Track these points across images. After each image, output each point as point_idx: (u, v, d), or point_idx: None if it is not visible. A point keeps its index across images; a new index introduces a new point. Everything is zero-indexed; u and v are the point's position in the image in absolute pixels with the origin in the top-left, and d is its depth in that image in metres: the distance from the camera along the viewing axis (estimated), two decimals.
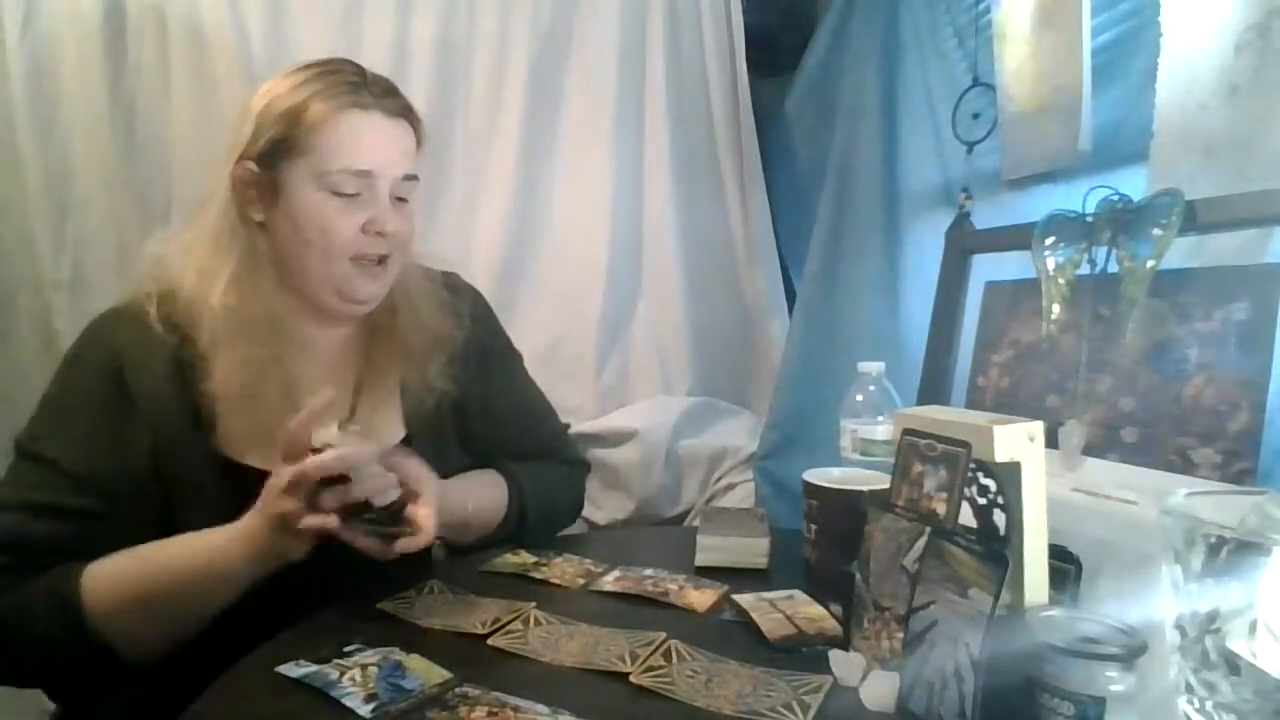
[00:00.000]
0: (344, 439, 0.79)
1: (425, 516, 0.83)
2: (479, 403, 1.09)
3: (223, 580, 0.80)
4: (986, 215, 1.27)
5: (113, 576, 0.80)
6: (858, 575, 0.75)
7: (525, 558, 1.01)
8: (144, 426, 0.86)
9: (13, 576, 0.80)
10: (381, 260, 0.93)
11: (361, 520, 0.81)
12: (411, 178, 0.94)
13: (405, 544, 0.83)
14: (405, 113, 0.94)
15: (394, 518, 0.83)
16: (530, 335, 1.35)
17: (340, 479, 0.78)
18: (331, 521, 0.78)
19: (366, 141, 0.89)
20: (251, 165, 0.88)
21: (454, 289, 1.09)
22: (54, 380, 0.89)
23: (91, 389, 0.87)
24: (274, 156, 0.88)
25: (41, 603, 0.79)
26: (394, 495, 0.83)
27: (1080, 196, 0.93)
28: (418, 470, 0.87)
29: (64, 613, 0.78)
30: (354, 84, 0.90)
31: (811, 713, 0.65)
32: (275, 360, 0.89)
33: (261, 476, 0.81)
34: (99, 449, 0.84)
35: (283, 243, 0.91)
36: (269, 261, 0.91)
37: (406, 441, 0.99)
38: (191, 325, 0.87)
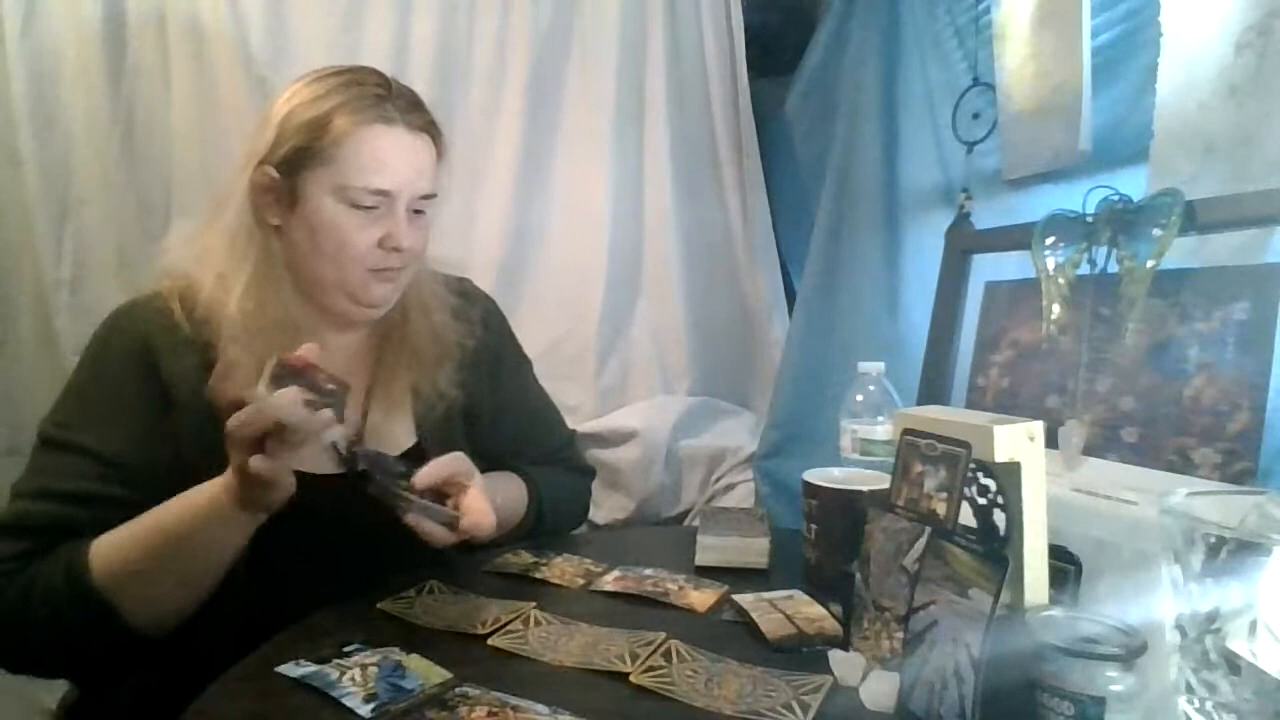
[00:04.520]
0: (269, 393, 0.76)
1: (479, 503, 0.85)
2: (489, 410, 1.09)
3: (219, 526, 0.80)
4: (986, 215, 1.27)
5: (118, 540, 0.80)
6: (858, 575, 0.75)
7: (525, 558, 1.01)
8: (174, 418, 0.86)
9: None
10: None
11: (423, 509, 0.83)
12: (430, 196, 0.94)
13: (468, 525, 0.84)
14: (428, 127, 0.94)
15: (448, 504, 0.85)
16: (530, 335, 1.36)
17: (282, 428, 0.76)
18: (266, 465, 0.74)
19: (388, 160, 0.89)
20: (271, 171, 0.89)
21: (467, 295, 1.09)
22: (80, 370, 0.89)
23: (123, 377, 0.87)
24: (295, 164, 0.88)
25: (53, 577, 0.79)
26: (339, 433, 0.82)
27: (1080, 196, 0.93)
28: (459, 464, 0.87)
29: (74, 582, 0.78)
30: (379, 96, 0.90)
31: (811, 713, 0.65)
32: None
33: None
34: (131, 436, 0.85)
35: (298, 249, 0.91)
36: (284, 266, 0.91)
37: (417, 447, 1.00)
38: (213, 328, 0.87)
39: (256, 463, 0.74)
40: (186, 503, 0.81)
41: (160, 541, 0.80)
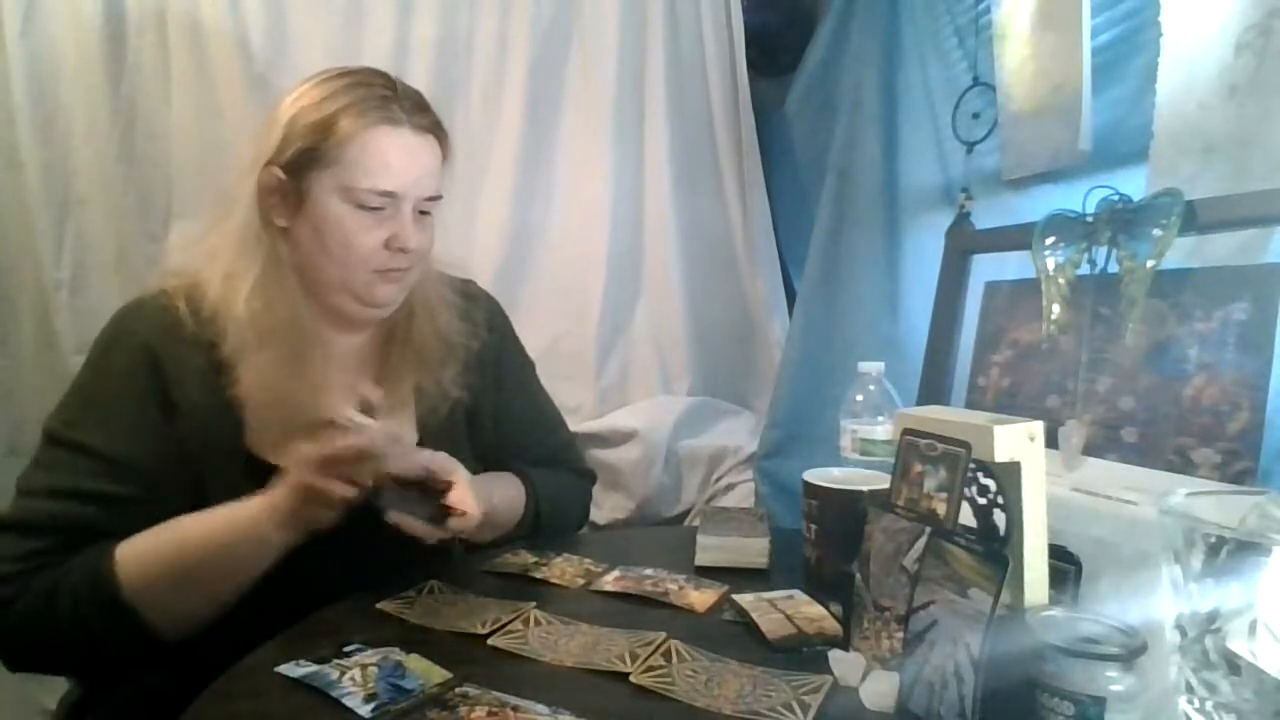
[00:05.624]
0: (370, 421, 0.82)
1: (465, 496, 0.85)
2: (491, 410, 1.10)
3: (254, 546, 0.81)
4: (986, 215, 1.27)
5: (146, 549, 0.81)
6: (858, 575, 0.75)
7: (525, 558, 1.01)
8: (179, 417, 0.87)
9: (55, 559, 0.81)
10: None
11: (406, 505, 0.84)
12: (435, 198, 0.95)
13: (457, 523, 0.84)
14: (434, 128, 0.94)
15: (433, 500, 0.85)
16: (530, 335, 1.36)
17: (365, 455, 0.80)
18: (351, 492, 0.79)
19: (394, 161, 0.89)
20: (278, 172, 0.89)
21: (471, 296, 1.09)
22: (86, 368, 0.89)
23: (128, 376, 0.87)
24: (301, 166, 0.88)
25: (78, 580, 0.79)
26: (419, 470, 0.85)
27: (1080, 196, 0.93)
28: (445, 460, 0.87)
29: (100, 588, 0.79)
30: (385, 98, 0.90)
31: (811, 713, 0.65)
32: (299, 363, 0.89)
33: None
34: (138, 434, 0.85)
35: (304, 250, 0.91)
36: (291, 267, 0.92)
37: (420, 447, 1.00)
38: (218, 329, 0.88)
39: (340, 487, 0.78)
40: (222, 518, 0.81)
41: (191, 555, 0.81)
